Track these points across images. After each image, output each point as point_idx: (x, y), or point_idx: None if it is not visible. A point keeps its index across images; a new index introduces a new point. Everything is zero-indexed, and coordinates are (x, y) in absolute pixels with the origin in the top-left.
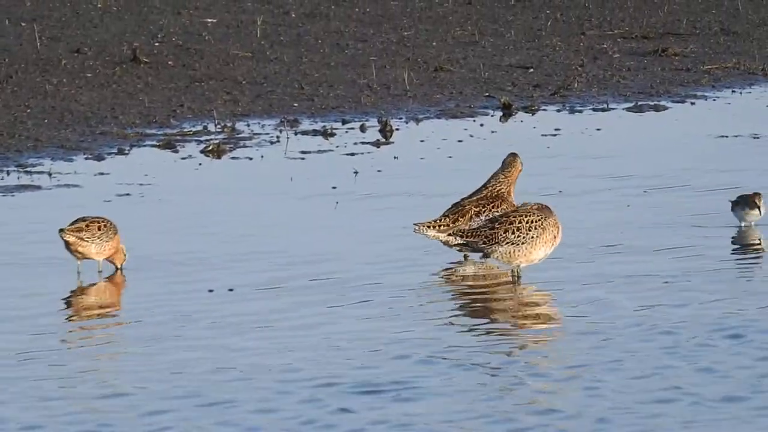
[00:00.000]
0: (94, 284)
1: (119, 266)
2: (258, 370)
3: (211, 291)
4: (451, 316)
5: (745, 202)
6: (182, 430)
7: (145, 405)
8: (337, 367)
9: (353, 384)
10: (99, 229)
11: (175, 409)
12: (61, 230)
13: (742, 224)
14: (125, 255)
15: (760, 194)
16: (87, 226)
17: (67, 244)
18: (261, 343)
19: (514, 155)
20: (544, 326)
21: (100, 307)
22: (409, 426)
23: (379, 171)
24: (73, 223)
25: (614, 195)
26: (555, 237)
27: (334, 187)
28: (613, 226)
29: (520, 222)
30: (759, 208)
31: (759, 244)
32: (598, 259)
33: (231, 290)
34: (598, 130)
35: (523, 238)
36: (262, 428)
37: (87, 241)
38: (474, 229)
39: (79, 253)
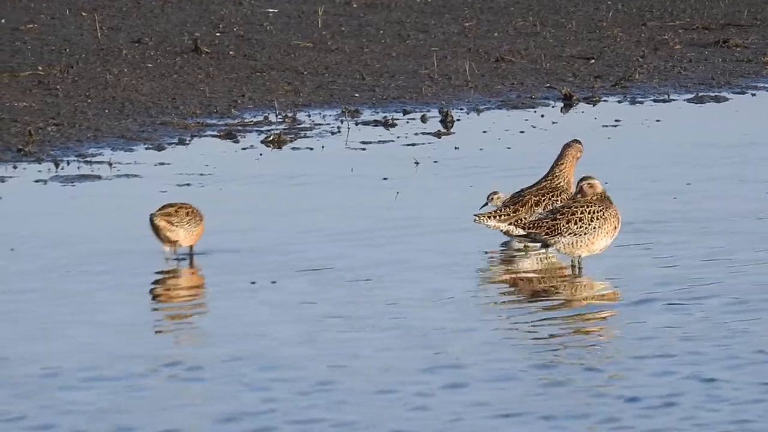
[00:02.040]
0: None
1: (191, 248)
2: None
3: (253, 283)
4: (512, 308)
5: None
6: None
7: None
8: (418, 357)
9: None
10: (187, 215)
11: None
12: (152, 215)
13: None
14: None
15: None
16: (176, 211)
17: (156, 229)
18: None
19: (569, 144)
20: (605, 316)
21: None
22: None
23: (439, 161)
24: (161, 208)
25: (663, 186)
26: (615, 227)
27: (385, 179)
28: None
29: (582, 213)
30: None
31: None
32: (653, 251)
33: (274, 282)
34: (658, 121)
35: (585, 228)
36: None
37: (176, 226)
38: (536, 220)
39: (168, 238)
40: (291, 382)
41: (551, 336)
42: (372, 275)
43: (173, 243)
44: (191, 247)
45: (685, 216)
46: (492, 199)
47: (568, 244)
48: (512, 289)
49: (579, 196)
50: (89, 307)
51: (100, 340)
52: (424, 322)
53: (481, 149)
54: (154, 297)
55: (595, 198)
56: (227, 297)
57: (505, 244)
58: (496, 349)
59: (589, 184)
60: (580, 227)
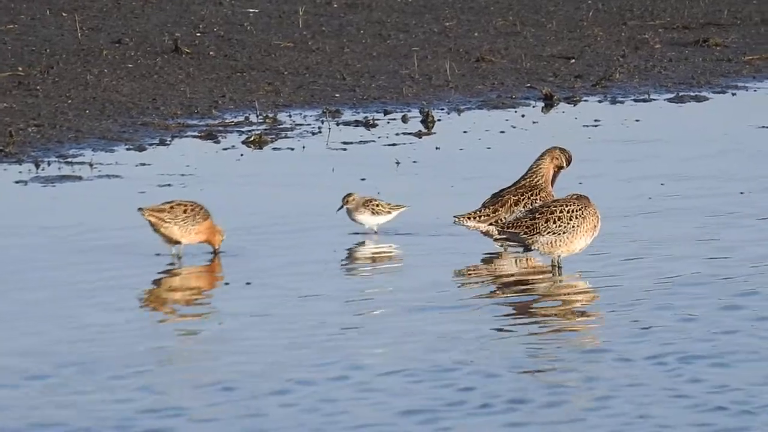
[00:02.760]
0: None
1: (216, 249)
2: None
3: (248, 284)
4: (489, 309)
5: None
6: None
7: None
8: (406, 357)
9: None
10: (185, 212)
11: None
12: (140, 209)
13: None
14: (222, 236)
15: None
16: (171, 208)
17: (151, 225)
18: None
19: (552, 149)
20: (585, 317)
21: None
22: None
23: (420, 162)
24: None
25: (636, 187)
26: (595, 226)
27: (363, 179)
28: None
29: (561, 212)
30: None
31: None
32: (636, 249)
33: (248, 283)
34: (637, 121)
35: (564, 227)
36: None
37: (168, 223)
38: (514, 220)
39: (163, 235)
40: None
41: (531, 335)
42: (360, 271)
43: (172, 241)
44: (215, 248)
45: (659, 216)
46: (347, 201)
47: (547, 244)
48: (491, 290)
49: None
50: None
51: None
52: (408, 323)
53: (461, 149)
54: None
55: (574, 197)
56: (202, 297)
57: (487, 245)
58: (481, 352)
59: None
60: (559, 226)
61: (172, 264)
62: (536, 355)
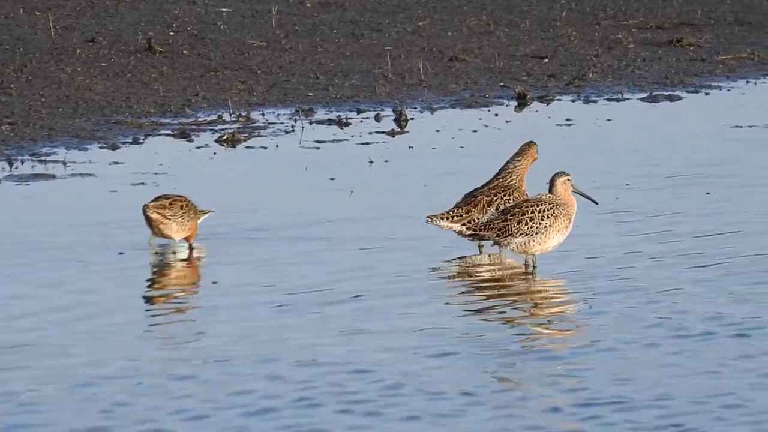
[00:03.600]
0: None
1: (191, 244)
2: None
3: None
4: (464, 308)
5: None
6: None
7: None
8: (359, 355)
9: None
10: (181, 208)
11: None
12: (146, 206)
13: None
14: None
15: None
16: (170, 204)
17: (149, 221)
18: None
19: (528, 144)
20: (560, 315)
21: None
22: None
23: (393, 161)
24: (155, 200)
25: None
26: (567, 225)
27: (332, 179)
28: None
29: (532, 212)
30: None
31: None
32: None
33: (215, 283)
34: (609, 120)
35: (537, 228)
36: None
37: (169, 219)
38: (487, 222)
39: (160, 231)
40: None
41: (505, 335)
42: (331, 267)
43: (165, 236)
44: (189, 241)
45: (628, 216)
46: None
47: (521, 244)
48: (465, 290)
49: (546, 194)
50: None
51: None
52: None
53: (434, 148)
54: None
55: (545, 197)
56: (170, 295)
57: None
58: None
59: (564, 182)
60: (531, 227)
61: (157, 256)
62: (505, 357)
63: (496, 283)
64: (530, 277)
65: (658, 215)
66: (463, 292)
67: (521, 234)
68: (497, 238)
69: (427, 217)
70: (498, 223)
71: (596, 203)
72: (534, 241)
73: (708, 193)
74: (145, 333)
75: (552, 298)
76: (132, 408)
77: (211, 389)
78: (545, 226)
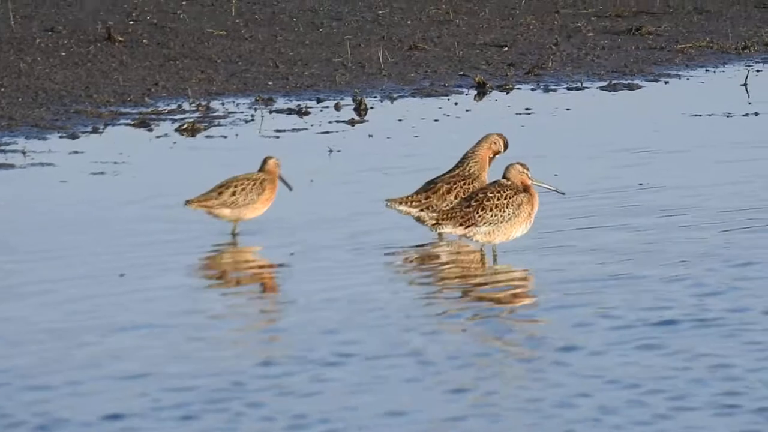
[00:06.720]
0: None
1: None
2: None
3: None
4: (425, 297)
5: None
6: None
7: None
8: (313, 341)
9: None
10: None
11: None
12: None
13: None
14: None
15: None
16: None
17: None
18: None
19: (490, 134)
20: (524, 304)
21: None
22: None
23: (353, 149)
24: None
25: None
26: (530, 214)
27: (287, 185)
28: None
29: (496, 200)
30: None
31: None
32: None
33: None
34: (568, 109)
35: (501, 217)
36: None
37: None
38: (449, 210)
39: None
40: None
41: (471, 324)
42: (287, 263)
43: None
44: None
45: (581, 211)
46: None
47: (485, 234)
48: (427, 282)
49: (503, 179)
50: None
51: None
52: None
53: (394, 137)
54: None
55: (507, 184)
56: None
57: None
58: (412, 342)
59: (520, 170)
60: (495, 215)
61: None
62: (470, 345)
63: (454, 270)
64: (487, 264)
65: (615, 208)
66: (420, 280)
67: (485, 223)
68: (460, 228)
69: (386, 201)
70: (461, 212)
71: (562, 194)
72: (498, 230)
73: (640, 184)
74: None
75: (514, 288)
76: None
77: None
78: (509, 215)
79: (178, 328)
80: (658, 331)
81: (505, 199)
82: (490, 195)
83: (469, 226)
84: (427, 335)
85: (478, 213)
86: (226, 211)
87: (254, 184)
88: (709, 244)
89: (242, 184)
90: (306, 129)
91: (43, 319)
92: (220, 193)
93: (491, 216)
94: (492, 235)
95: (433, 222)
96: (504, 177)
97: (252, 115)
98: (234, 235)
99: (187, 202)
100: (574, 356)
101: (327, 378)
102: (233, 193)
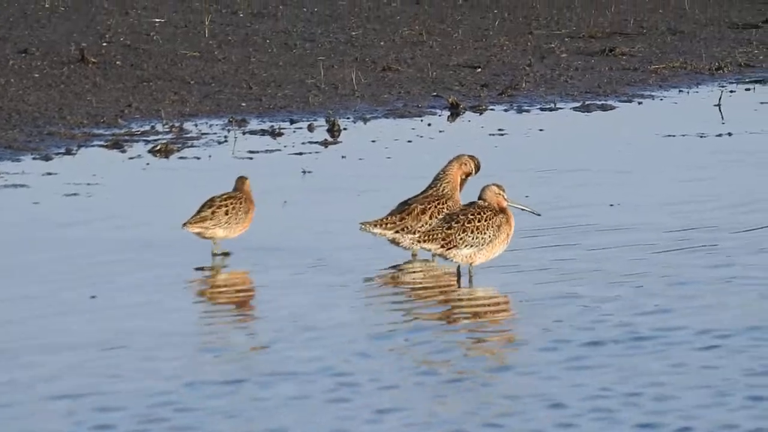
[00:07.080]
0: None
1: None
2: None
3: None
4: (401, 316)
5: None
6: None
7: None
8: (297, 362)
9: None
10: (226, 213)
11: None
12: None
13: None
14: None
15: None
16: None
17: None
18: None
19: (460, 155)
20: (500, 324)
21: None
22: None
23: (326, 171)
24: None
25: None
26: (508, 234)
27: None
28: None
29: (477, 223)
30: None
31: None
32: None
33: (93, 297)
34: (541, 130)
35: (482, 239)
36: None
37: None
38: (429, 231)
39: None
40: None
41: (448, 344)
42: (263, 285)
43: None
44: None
45: (554, 227)
46: None
47: (467, 256)
48: (402, 301)
49: (480, 200)
50: None
51: None
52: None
53: (367, 158)
54: None
55: (485, 206)
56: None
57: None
58: (388, 363)
59: (496, 191)
60: (476, 237)
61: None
62: (447, 364)
63: (429, 290)
64: (462, 285)
65: (586, 226)
66: (395, 301)
67: (466, 245)
68: (441, 250)
69: (360, 224)
70: (441, 235)
71: (538, 215)
72: (480, 253)
73: (611, 205)
74: None
75: (490, 308)
76: None
77: None
78: (490, 237)
79: (128, 348)
80: (589, 350)
81: (485, 220)
82: (471, 217)
83: (450, 248)
84: (358, 355)
85: (459, 235)
86: (220, 231)
87: (240, 203)
88: (649, 263)
89: (231, 204)
90: (279, 150)
91: None
92: (213, 213)
93: (472, 238)
94: (473, 257)
95: (417, 239)
96: (480, 198)
97: (225, 137)
98: (214, 255)
99: (185, 225)
100: (504, 375)
101: (261, 398)
102: (226, 213)
